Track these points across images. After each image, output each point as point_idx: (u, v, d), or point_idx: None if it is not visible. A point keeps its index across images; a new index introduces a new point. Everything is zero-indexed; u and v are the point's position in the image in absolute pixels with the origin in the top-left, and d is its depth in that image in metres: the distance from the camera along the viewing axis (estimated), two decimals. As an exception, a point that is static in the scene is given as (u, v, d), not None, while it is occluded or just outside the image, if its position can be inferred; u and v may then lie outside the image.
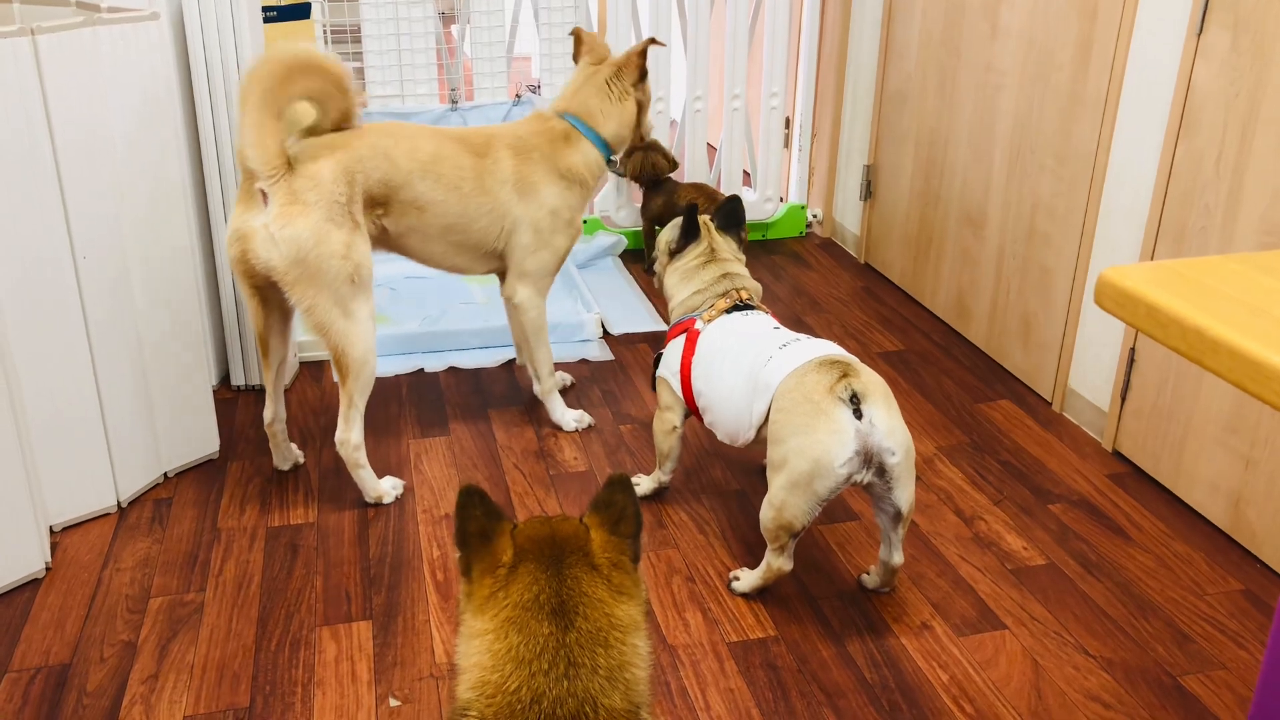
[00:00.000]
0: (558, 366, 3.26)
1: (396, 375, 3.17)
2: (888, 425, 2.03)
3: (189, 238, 2.58)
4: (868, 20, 3.92)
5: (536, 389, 2.95)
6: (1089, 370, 2.91)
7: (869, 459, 2.02)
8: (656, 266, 2.65)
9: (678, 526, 2.49)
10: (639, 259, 4.10)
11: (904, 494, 2.08)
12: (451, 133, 2.64)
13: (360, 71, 3.84)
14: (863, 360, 3.29)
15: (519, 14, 4.05)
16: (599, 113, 2.74)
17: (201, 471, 2.68)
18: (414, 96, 3.90)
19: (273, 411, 2.60)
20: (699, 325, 2.40)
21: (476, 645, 1.13)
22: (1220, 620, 2.21)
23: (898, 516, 2.12)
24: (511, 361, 3.28)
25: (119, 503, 2.52)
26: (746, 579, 2.25)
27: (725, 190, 4.27)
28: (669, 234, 2.58)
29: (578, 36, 2.87)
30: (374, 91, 3.86)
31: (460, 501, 1.16)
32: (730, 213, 2.57)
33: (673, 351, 2.43)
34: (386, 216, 2.52)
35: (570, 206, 2.71)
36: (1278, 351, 0.84)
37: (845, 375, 2.06)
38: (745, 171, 4.34)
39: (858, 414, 2.01)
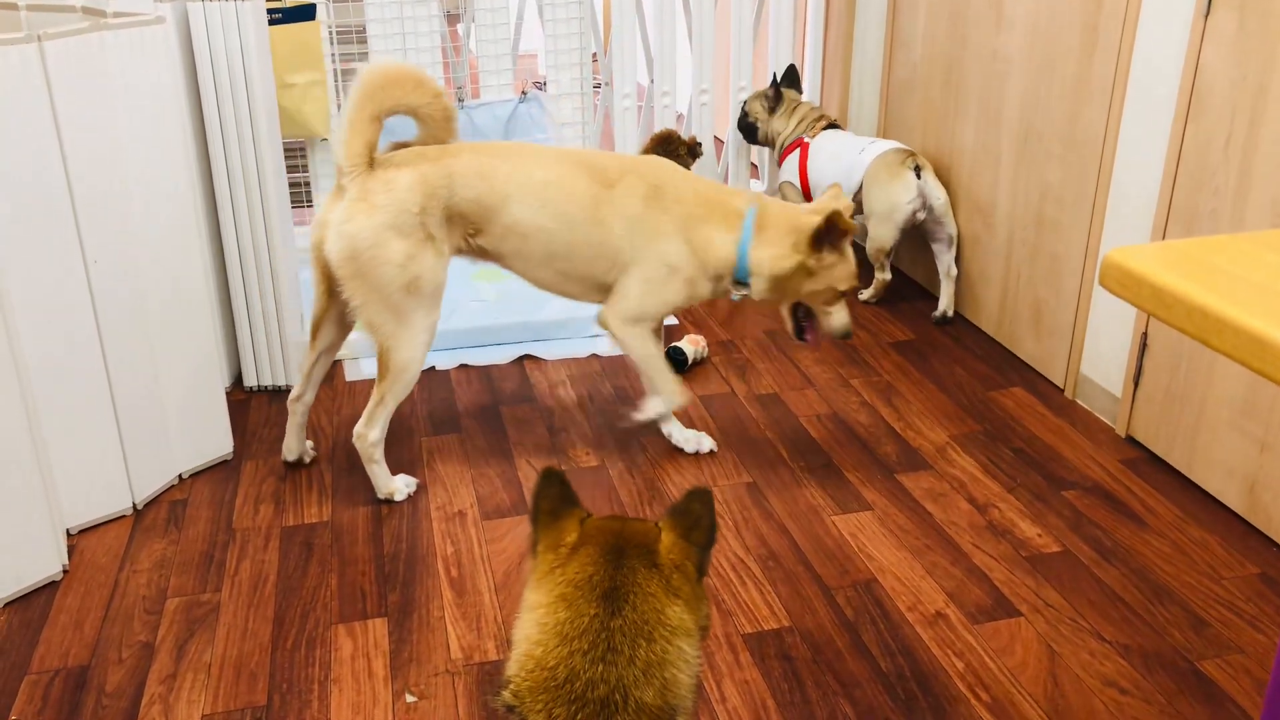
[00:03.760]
0: (567, 361, 3.26)
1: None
2: (935, 183, 3.42)
3: (199, 240, 2.59)
4: (873, 10, 3.91)
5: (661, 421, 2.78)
6: (1101, 356, 2.89)
7: (924, 202, 3.39)
8: (759, 124, 3.89)
9: (690, 519, 2.49)
10: (648, 254, 4.09)
11: (948, 226, 3.44)
12: (586, 157, 2.52)
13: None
14: (873, 350, 3.29)
15: (524, 11, 4.05)
16: (769, 241, 2.48)
17: (216, 472, 2.70)
18: (420, 95, 3.90)
19: (299, 389, 2.62)
20: (808, 139, 3.72)
21: (528, 619, 1.15)
22: (1236, 604, 2.20)
23: (949, 241, 3.45)
24: (522, 359, 3.29)
25: (134, 505, 2.53)
26: (866, 293, 3.60)
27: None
28: (758, 101, 3.90)
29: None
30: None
31: (540, 480, 1.21)
32: (791, 73, 3.91)
33: (791, 162, 3.74)
34: (481, 236, 2.47)
35: (691, 266, 2.50)
36: (1284, 329, 0.84)
37: (911, 155, 3.41)
38: (753, 164, 4.33)
39: (918, 175, 3.37)
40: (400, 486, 2.59)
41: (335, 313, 2.52)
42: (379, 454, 2.52)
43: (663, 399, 2.67)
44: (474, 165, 2.41)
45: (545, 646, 1.11)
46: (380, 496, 2.57)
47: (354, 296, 2.37)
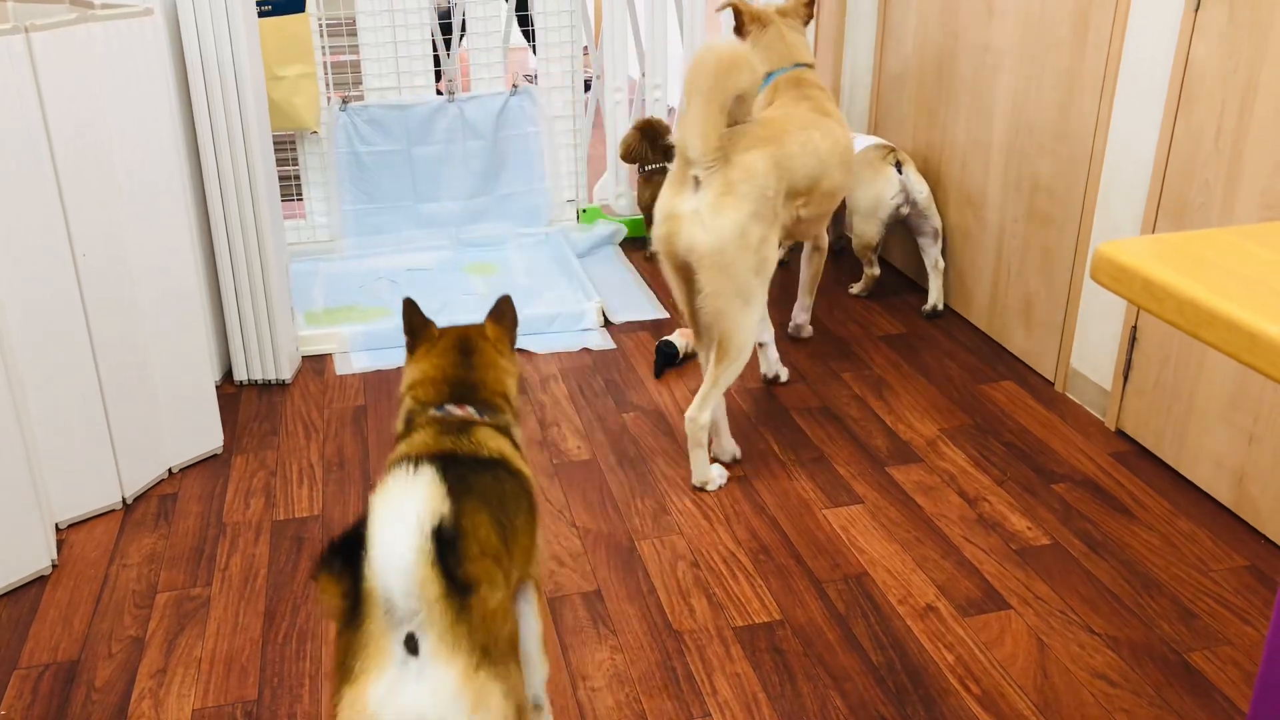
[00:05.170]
0: (559, 355, 3.26)
1: (400, 367, 3.17)
2: (917, 177, 3.41)
3: (189, 232, 2.58)
4: (865, 4, 3.90)
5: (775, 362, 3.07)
6: (1091, 349, 2.90)
7: (907, 196, 3.38)
8: None
9: (681, 513, 2.49)
10: (639, 247, 4.10)
11: (933, 220, 3.44)
12: (827, 113, 2.74)
13: (356, 65, 3.84)
14: (864, 344, 3.29)
15: (514, 4, 4.04)
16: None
17: (206, 466, 2.69)
18: (410, 88, 3.89)
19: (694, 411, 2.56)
20: None
21: (411, 369, 1.82)
22: (1225, 596, 2.21)
23: (934, 234, 3.45)
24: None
25: (124, 499, 2.52)
26: (856, 288, 3.61)
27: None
28: None
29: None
30: (370, 84, 3.85)
31: (405, 307, 1.84)
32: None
33: None
34: (807, 205, 2.58)
35: None
36: (1273, 322, 0.84)
37: (892, 150, 3.40)
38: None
39: (899, 170, 3.37)
40: (715, 476, 2.58)
41: (687, 303, 2.53)
42: (705, 437, 2.53)
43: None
44: (806, 142, 2.53)
45: (428, 367, 1.78)
46: (695, 484, 2.57)
47: (710, 284, 2.39)
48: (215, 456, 2.73)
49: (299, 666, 2.04)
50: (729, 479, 2.62)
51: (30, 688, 1.99)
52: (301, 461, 2.72)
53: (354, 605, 1.28)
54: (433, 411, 1.69)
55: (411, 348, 1.85)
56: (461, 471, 1.51)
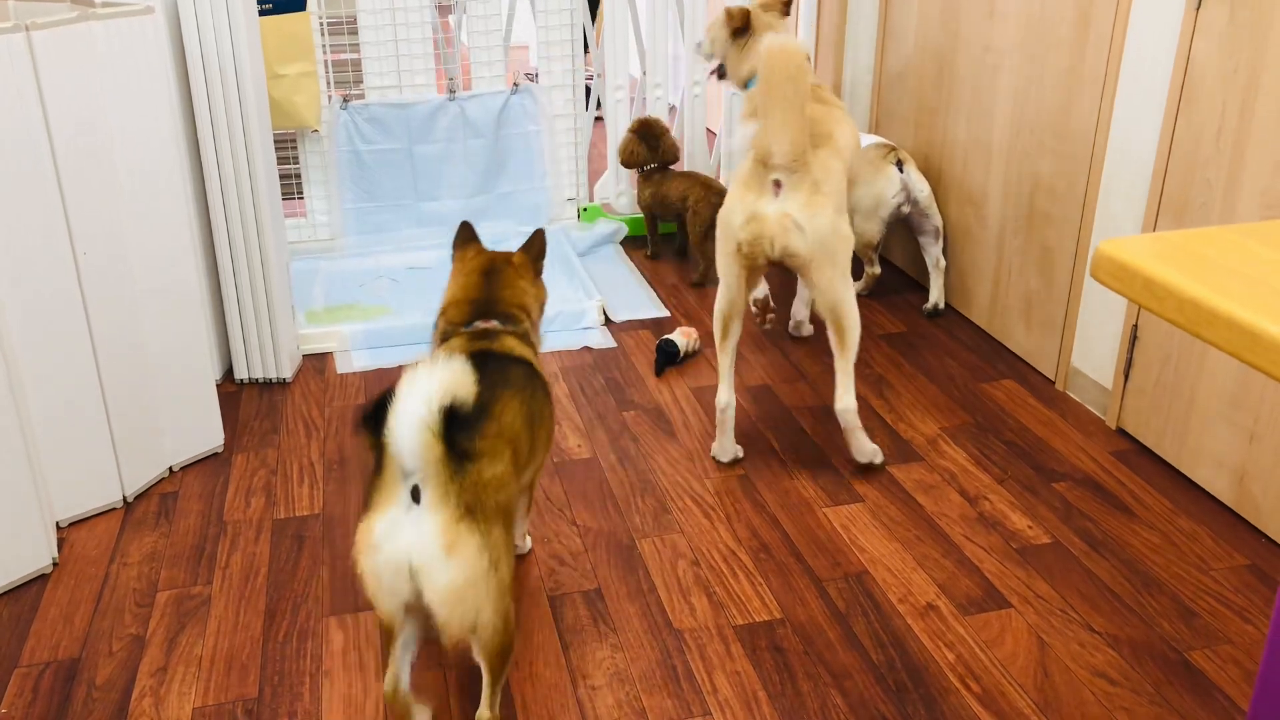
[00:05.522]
0: (559, 354, 3.26)
1: (400, 365, 3.17)
2: (918, 176, 3.41)
3: (189, 230, 2.58)
4: (866, 3, 3.90)
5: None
6: (1092, 348, 2.90)
7: (909, 195, 3.38)
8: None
9: (681, 511, 2.49)
10: (640, 246, 4.10)
11: (934, 218, 3.45)
12: (837, 105, 2.86)
13: (357, 63, 3.84)
14: (865, 343, 3.30)
15: (515, 2, 4.04)
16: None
17: (206, 465, 2.69)
18: (411, 87, 3.89)
19: (726, 396, 2.63)
20: None
21: (450, 283, 2.16)
22: (1225, 595, 2.21)
23: (935, 233, 3.46)
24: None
25: (125, 498, 2.52)
26: (857, 286, 3.19)
27: (724, 180, 4.26)
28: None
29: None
30: (371, 83, 3.85)
31: (461, 227, 2.21)
32: None
33: None
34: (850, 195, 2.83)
35: None
36: (1274, 321, 0.84)
37: (893, 149, 3.40)
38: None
39: (900, 169, 3.36)
40: (878, 448, 2.66)
41: (741, 306, 2.59)
42: (858, 419, 2.60)
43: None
44: (845, 135, 2.67)
45: (457, 288, 2.12)
46: (863, 461, 2.63)
47: (821, 278, 2.48)
48: (216, 455, 2.73)
49: (299, 665, 2.04)
50: (728, 480, 2.62)
51: (31, 686, 1.99)
52: (302, 460, 2.72)
53: (380, 456, 1.61)
54: (462, 329, 2.03)
55: (453, 260, 2.22)
56: (499, 366, 1.86)
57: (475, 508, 1.61)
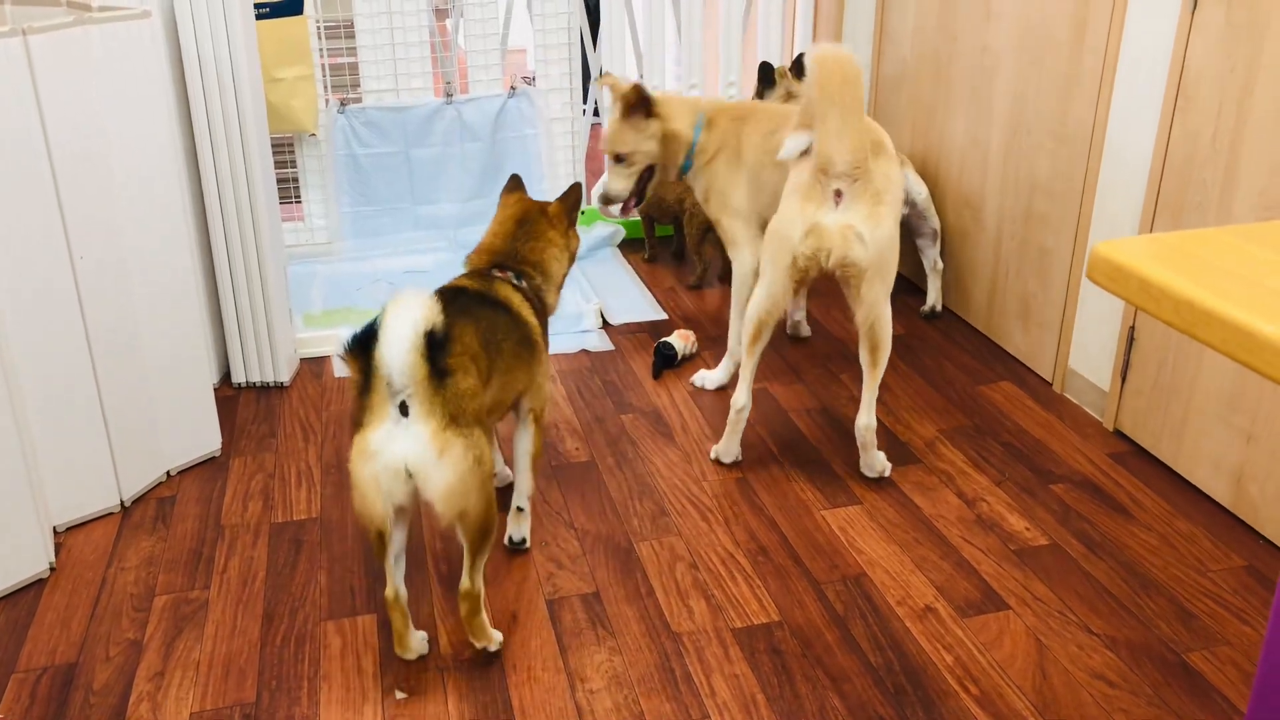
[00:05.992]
0: (556, 357, 3.26)
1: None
2: (916, 178, 3.42)
3: (186, 235, 2.58)
4: (863, 5, 3.91)
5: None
6: (1089, 350, 2.90)
7: (907, 197, 3.35)
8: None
9: (679, 514, 2.49)
10: (638, 249, 4.10)
11: (931, 220, 3.45)
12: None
13: (354, 67, 3.84)
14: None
15: (512, 6, 4.04)
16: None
17: (204, 469, 2.69)
18: (408, 90, 3.89)
19: (744, 399, 2.62)
20: None
21: (489, 227, 2.37)
22: (1223, 597, 2.21)
23: (933, 235, 3.46)
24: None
25: (122, 502, 2.52)
26: None
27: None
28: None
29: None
30: (368, 87, 3.85)
31: (511, 177, 2.44)
32: (798, 64, 3.52)
33: None
34: None
35: None
36: (1270, 321, 0.84)
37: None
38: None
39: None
40: (889, 464, 2.64)
41: (779, 312, 2.54)
42: (875, 437, 2.59)
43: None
44: (888, 141, 2.59)
45: (489, 236, 2.34)
46: (871, 476, 2.63)
47: (871, 290, 2.43)
48: (213, 459, 2.73)
49: (297, 669, 2.04)
50: (726, 482, 2.62)
51: (28, 691, 1.99)
52: (299, 464, 2.71)
53: (366, 379, 1.85)
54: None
55: (508, 197, 2.40)
56: (464, 301, 2.06)
57: (457, 415, 1.85)
